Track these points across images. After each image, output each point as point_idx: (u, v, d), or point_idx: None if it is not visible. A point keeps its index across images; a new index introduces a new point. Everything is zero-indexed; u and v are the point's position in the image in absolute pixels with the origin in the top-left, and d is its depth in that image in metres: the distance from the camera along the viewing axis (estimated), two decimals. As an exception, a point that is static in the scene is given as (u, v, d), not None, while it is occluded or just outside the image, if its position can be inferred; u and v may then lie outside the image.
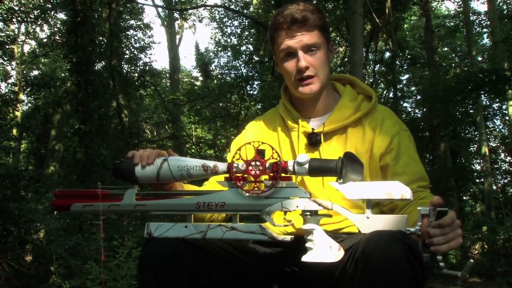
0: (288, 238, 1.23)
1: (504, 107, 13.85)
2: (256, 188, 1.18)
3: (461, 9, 14.47)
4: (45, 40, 14.34)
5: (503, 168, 14.71)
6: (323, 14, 1.50)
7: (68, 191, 1.33)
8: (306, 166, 1.17)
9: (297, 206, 1.19)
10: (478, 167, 14.10)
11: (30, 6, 10.97)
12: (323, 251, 1.15)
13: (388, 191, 1.14)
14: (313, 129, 1.51)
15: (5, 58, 8.42)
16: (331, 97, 1.57)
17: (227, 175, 1.22)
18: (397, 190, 1.14)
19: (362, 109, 1.51)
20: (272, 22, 1.50)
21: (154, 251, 1.22)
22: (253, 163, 1.18)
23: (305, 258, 1.16)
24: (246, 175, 1.20)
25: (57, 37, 11.36)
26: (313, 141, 1.49)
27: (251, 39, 16.08)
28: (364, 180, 1.17)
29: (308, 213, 1.19)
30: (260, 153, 1.18)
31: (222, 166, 1.22)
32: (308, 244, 1.17)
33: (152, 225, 1.24)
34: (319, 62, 1.47)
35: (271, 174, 1.18)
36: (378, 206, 1.42)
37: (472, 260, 1.12)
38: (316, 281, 1.36)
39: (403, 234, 1.10)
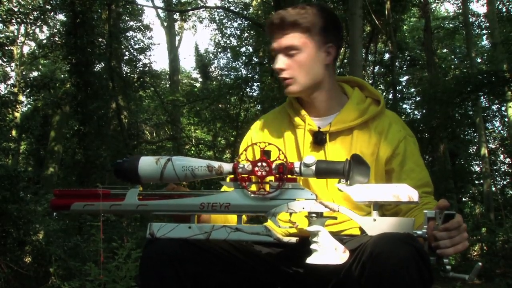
0: (294, 240, 1.21)
1: (503, 108, 13.83)
2: (261, 189, 1.17)
3: (460, 10, 14.51)
4: (44, 41, 14.36)
5: (502, 169, 14.74)
6: (325, 15, 1.46)
7: (68, 190, 1.29)
8: (313, 167, 1.15)
9: (303, 208, 1.17)
10: (478, 169, 14.10)
11: (30, 7, 10.97)
12: (328, 253, 1.13)
13: (396, 193, 1.12)
14: (319, 127, 1.50)
15: (5, 60, 8.42)
16: (338, 98, 1.55)
17: (232, 176, 1.21)
18: (405, 192, 1.12)
19: (369, 112, 1.50)
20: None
21: (155, 251, 1.20)
22: (259, 164, 1.17)
23: (310, 260, 1.15)
24: (252, 176, 1.18)
25: (57, 39, 11.38)
26: (319, 139, 1.48)
27: (251, 41, 16.10)
28: (369, 183, 1.16)
29: (314, 215, 1.17)
30: (266, 153, 1.17)
31: (227, 166, 1.20)
32: (313, 246, 1.15)
33: (155, 226, 1.22)
34: (296, 65, 1.44)
35: (277, 175, 1.17)
36: (381, 210, 1.41)
37: (480, 264, 1.11)
38: (321, 283, 1.35)
39: (411, 237, 1.10)
